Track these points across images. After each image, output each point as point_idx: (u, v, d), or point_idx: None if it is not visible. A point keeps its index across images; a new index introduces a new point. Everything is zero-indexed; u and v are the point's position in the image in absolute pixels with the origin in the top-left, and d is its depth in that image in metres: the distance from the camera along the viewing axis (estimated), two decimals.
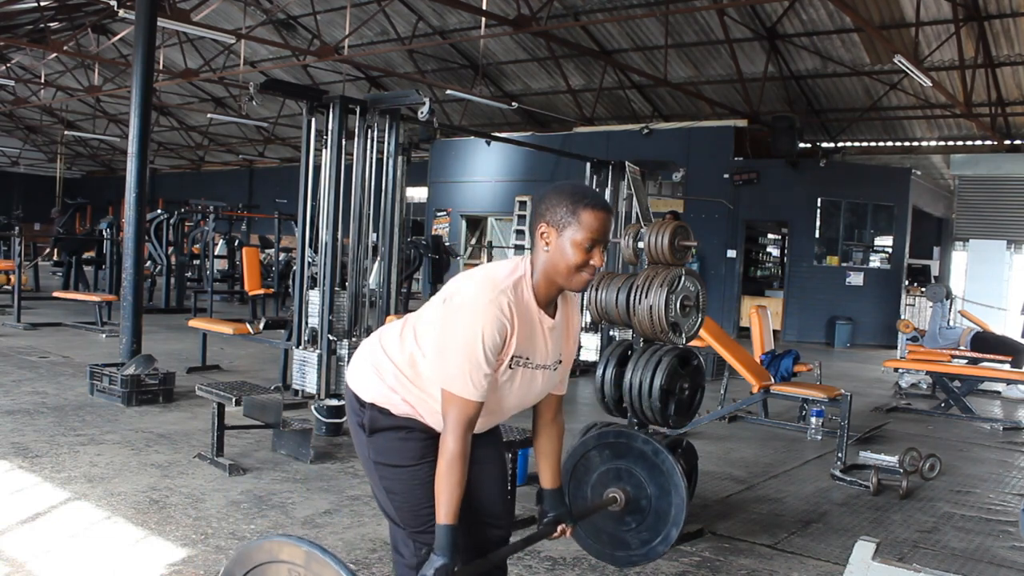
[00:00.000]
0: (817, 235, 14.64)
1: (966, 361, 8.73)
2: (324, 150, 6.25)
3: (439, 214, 18.50)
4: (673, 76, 15.54)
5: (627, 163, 8.63)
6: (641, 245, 3.99)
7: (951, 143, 16.00)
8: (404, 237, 6.88)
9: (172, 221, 13.85)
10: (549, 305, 2.08)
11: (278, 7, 16.32)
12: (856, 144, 17.24)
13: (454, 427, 1.95)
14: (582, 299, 4.48)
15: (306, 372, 6.20)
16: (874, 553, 2.22)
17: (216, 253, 14.90)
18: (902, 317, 12.76)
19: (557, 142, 15.59)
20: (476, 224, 18.86)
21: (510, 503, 2.56)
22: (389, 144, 6.44)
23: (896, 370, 8.64)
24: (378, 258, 6.76)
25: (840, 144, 16.99)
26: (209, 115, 21.66)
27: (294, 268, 7.01)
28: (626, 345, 4.11)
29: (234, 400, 4.66)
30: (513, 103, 16.98)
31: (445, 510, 1.93)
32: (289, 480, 4.44)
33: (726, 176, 14.68)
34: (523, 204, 15.89)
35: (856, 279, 14.34)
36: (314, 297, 6.29)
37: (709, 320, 5.57)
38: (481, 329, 1.92)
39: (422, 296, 14.51)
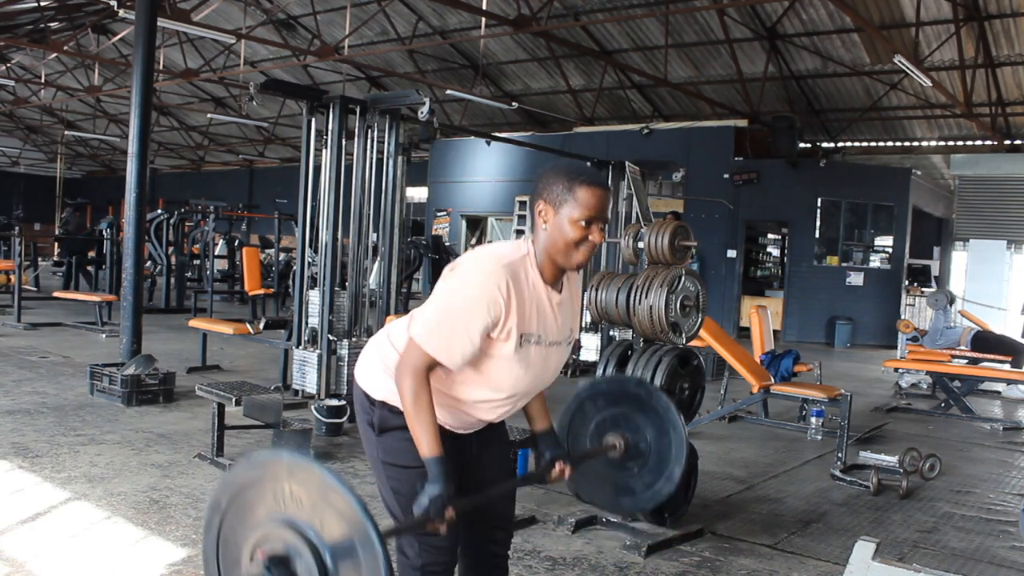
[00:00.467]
0: (817, 235, 14.63)
1: (966, 361, 8.73)
2: (324, 150, 6.25)
3: (439, 214, 18.50)
4: (673, 76, 15.54)
5: (627, 163, 8.63)
6: (641, 245, 3.99)
7: (951, 143, 16.00)
8: (404, 237, 6.88)
9: (172, 221, 13.85)
10: (556, 282, 2.09)
11: (278, 7, 16.32)
12: (856, 144, 17.23)
13: (410, 369, 1.95)
14: (582, 299, 4.48)
15: (306, 372, 6.20)
16: (874, 553, 2.22)
17: (216, 253, 14.89)
18: (902, 317, 12.75)
19: (557, 142, 15.58)
20: (476, 224, 18.85)
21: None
22: (389, 144, 6.44)
23: (896, 370, 8.64)
24: (378, 258, 6.76)
25: (840, 144, 16.98)
26: (209, 115, 21.66)
27: (294, 268, 7.02)
28: (626, 345, 4.11)
29: (234, 400, 4.66)
30: (513, 103, 16.98)
31: (427, 444, 1.93)
32: None
33: (726, 176, 14.68)
34: (523, 204, 15.89)
35: (856, 279, 14.33)
36: (314, 297, 6.28)
37: (709, 320, 5.57)
38: (473, 299, 1.93)
39: (422, 296, 14.51)
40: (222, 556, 1.79)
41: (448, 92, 16.34)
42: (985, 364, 8.59)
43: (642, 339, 4.00)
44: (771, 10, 13.30)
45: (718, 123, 15.51)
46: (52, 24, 17.81)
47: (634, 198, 8.21)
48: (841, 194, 14.48)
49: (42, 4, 15.76)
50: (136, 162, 6.71)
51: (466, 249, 18.31)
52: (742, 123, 15.07)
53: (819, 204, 14.58)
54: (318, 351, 6.11)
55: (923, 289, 15.16)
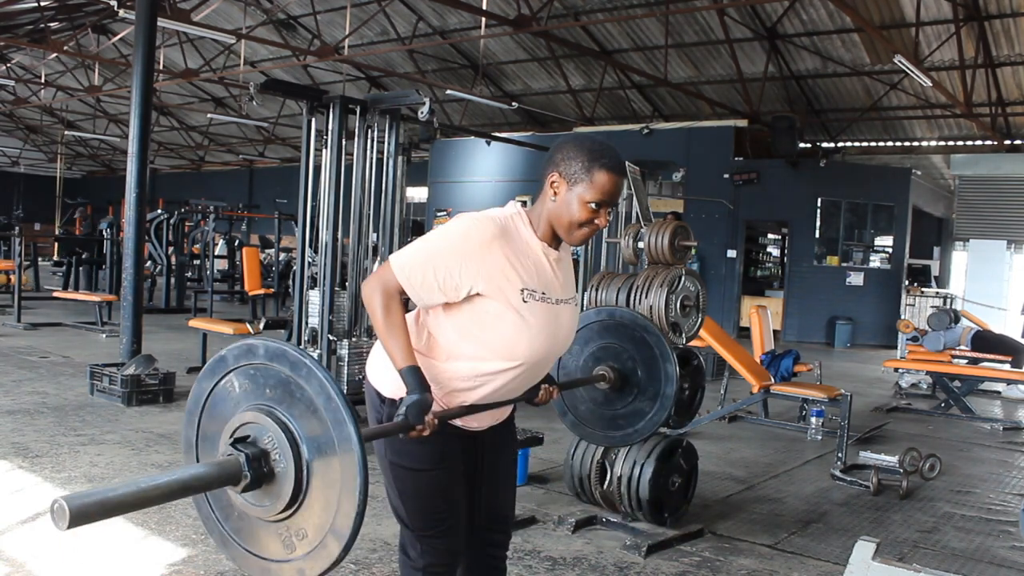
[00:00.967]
0: (817, 235, 14.63)
1: (966, 361, 8.73)
2: (324, 150, 6.24)
3: (439, 214, 18.49)
4: (673, 76, 15.54)
5: (627, 163, 8.62)
6: (641, 245, 3.99)
7: (951, 143, 16.00)
8: (404, 237, 6.87)
9: (172, 221, 13.86)
10: (553, 241, 2.07)
11: (278, 7, 16.32)
12: (856, 144, 17.23)
13: (378, 284, 1.95)
14: (582, 299, 4.48)
15: None
16: (874, 553, 2.22)
17: (216, 253, 14.89)
18: (902, 317, 12.75)
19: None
20: None
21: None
22: (389, 144, 6.43)
23: (896, 370, 8.63)
24: (378, 258, 6.75)
25: (840, 144, 16.99)
26: (209, 115, 21.66)
27: (294, 268, 7.01)
28: None
29: None
30: (513, 103, 16.98)
31: (400, 355, 1.92)
32: None
33: (726, 176, 14.68)
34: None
35: (856, 279, 14.33)
36: (314, 297, 6.28)
37: (709, 320, 5.57)
38: (449, 237, 1.94)
39: None
40: (201, 451, 1.81)
41: (448, 92, 16.34)
42: (985, 364, 8.59)
43: None
44: (771, 10, 13.30)
45: (718, 123, 15.50)
46: (52, 24, 17.81)
47: (634, 198, 8.20)
48: (841, 194, 14.48)
49: (42, 4, 15.76)
50: (136, 162, 6.71)
51: None
52: (742, 123, 15.06)
53: (819, 204, 14.58)
54: (318, 351, 6.10)
55: (923, 289, 15.17)
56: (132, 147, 6.73)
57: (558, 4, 13.75)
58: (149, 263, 13.50)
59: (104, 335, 9.71)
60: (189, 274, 14.84)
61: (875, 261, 14.61)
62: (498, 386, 2.05)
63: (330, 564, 1.62)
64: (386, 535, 3.61)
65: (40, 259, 16.96)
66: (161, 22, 9.22)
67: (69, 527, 1.36)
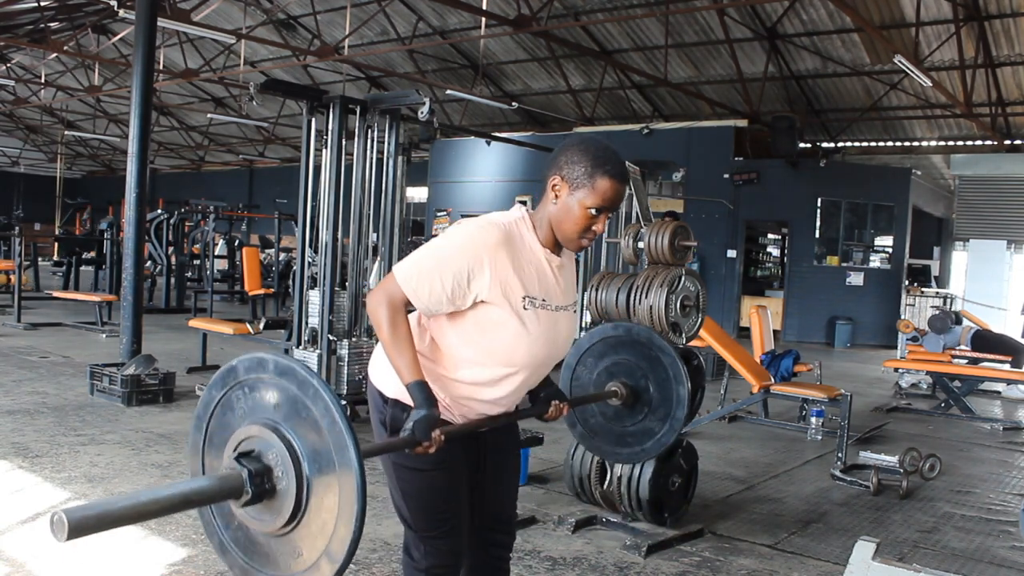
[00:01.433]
0: (817, 235, 14.63)
1: (966, 361, 8.73)
2: (324, 150, 6.24)
3: (439, 214, 18.50)
4: (673, 76, 15.54)
5: (627, 163, 8.62)
6: (641, 245, 3.99)
7: (951, 143, 16.00)
8: (404, 237, 6.87)
9: (172, 221, 13.86)
10: (555, 247, 2.07)
11: (278, 7, 16.32)
12: (856, 144, 17.23)
13: (385, 298, 1.94)
14: (582, 299, 4.48)
15: None
16: (874, 553, 2.22)
17: (216, 253, 14.89)
18: (902, 317, 12.75)
19: (557, 142, 15.41)
20: None
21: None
22: (389, 144, 6.43)
23: (896, 370, 8.63)
24: (378, 258, 6.75)
25: (840, 144, 16.99)
26: (209, 115, 21.66)
27: (294, 268, 7.01)
28: None
29: None
30: (513, 103, 16.98)
31: (407, 370, 1.91)
32: None
33: (726, 176, 14.68)
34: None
35: (856, 279, 14.33)
36: (314, 297, 6.28)
37: (709, 320, 5.57)
38: (453, 246, 1.93)
39: None
40: (207, 466, 1.80)
41: (448, 92, 16.34)
42: (985, 364, 8.59)
43: None
44: (771, 10, 13.30)
45: (718, 123, 15.51)
46: (52, 24, 17.81)
47: (634, 198, 8.20)
48: (841, 194, 14.48)
49: (42, 4, 15.76)
50: (136, 162, 6.71)
51: None
52: (742, 123, 15.07)
53: (819, 204, 14.58)
54: (318, 351, 6.10)
55: (923, 289, 15.17)
56: (132, 147, 6.73)
57: (558, 4, 13.75)
58: (149, 263, 13.51)
59: (104, 335, 9.70)
60: (189, 274, 14.84)
61: (875, 261, 14.61)
62: (497, 390, 2.06)
63: None
64: (386, 535, 3.61)
65: (40, 259, 16.96)
66: (161, 22, 9.22)
67: (68, 539, 1.36)
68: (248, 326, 7.56)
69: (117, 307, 9.02)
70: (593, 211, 1.97)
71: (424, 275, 1.93)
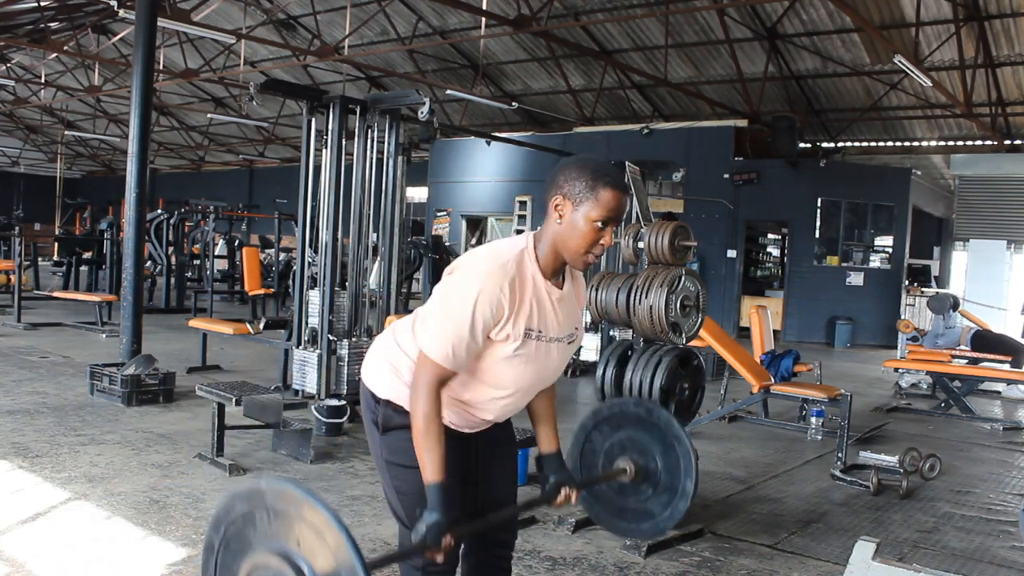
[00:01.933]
0: (817, 235, 14.63)
1: (966, 361, 8.73)
2: (324, 150, 6.24)
3: (439, 214, 18.50)
4: (673, 76, 15.54)
5: (627, 163, 8.62)
6: (641, 245, 4.00)
7: (951, 143, 16.00)
8: (404, 237, 6.87)
9: (172, 221, 13.86)
10: (555, 276, 2.07)
11: (278, 7, 16.32)
12: (856, 144, 17.23)
13: (424, 388, 1.94)
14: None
15: (306, 372, 6.19)
16: (874, 553, 2.22)
17: (216, 253, 14.89)
18: (902, 317, 12.75)
19: (557, 142, 15.58)
20: (476, 224, 18.86)
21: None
22: (389, 144, 6.43)
23: (896, 370, 8.63)
24: (378, 258, 6.75)
25: (840, 144, 16.99)
26: (209, 115, 21.67)
27: (294, 268, 7.01)
28: (626, 345, 4.11)
29: (234, 400, 4.66)
30: (513, 103, 16.98)
31: (431, 469, 1.92)
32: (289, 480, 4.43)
33: (726, 176, 14.68)
34: (523, 204, 15.91)
35: (856, 279, 14.33)
36: (314, 297, 6.28)
37: (709, 320, 5.57)
38: (474, 300, 1.91)
39: (422, 296, 14.51)
40: (220, 559, 1.81)
41: (448, 92, 16.34)
42: (985, 364, 8.59)
43: (642, 339, 4.00)
44: (771, 10, 13.30)
45: (718, 123, 15.51)
46: (52, 24, 17.81)
47: (634, 198, 8.21)
48: (841, 194, 14.48)
49: (42, 4, 15.76)
50: (136, 162, 6.71)
51: (466, 249, 18.33)
52: (742, 123, 15.07)
53: (819, 204, 14.58)
54: (318, 351, 6.10)
55: (923, 289, 15.17)
56: (132, 147, 6.73)
57: (558, 4, 13.75)
58: (149, 263, 13.51)
59: (104, 335, 9.70)
60: (189, 274, 14.84)
61: (875, 261, 14.61)
62: (482, 409, 2.11)
63: None
64: (386, 535, 3.61)
65: (40, 259, 16.96)
66: (161, 22, 9.22)
67: None
68: (248, 326, 7.56)
69: (117, 307, 9.02)
70: (599, 224, 1.97)
71: (459, 345, 1.93)
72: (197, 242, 15.15)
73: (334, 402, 5.51)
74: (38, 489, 4.06)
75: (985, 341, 9.16)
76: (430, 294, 2.04)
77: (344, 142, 6.22)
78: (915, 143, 16.54)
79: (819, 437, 6.29)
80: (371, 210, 6.42)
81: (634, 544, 3.66)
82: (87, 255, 14.94)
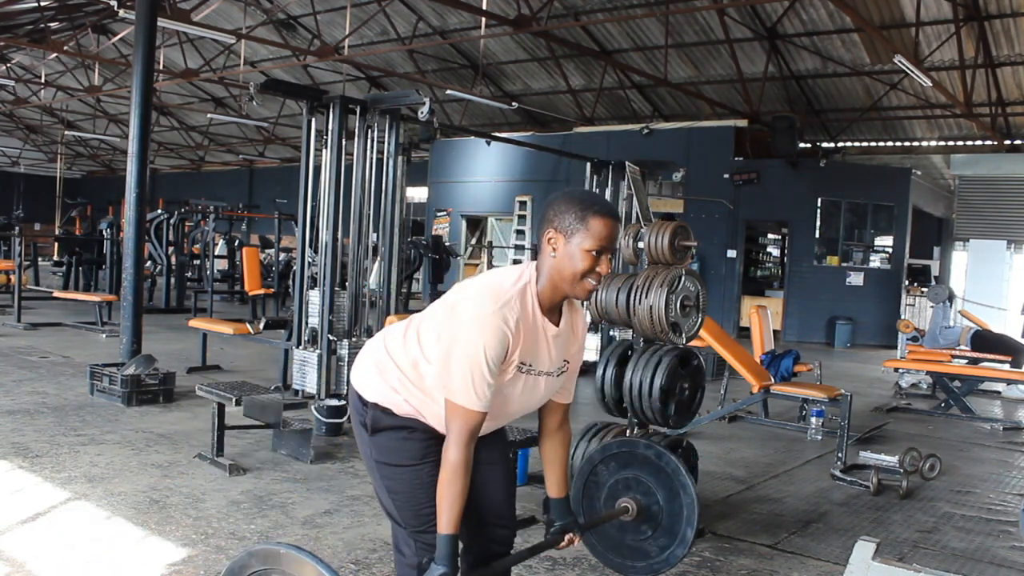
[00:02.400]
0: (817, 235, 14.64)
1: (966, 361, 8.73)
2: (324, 150, 6.25)
3: (439, 214, 18.50)
4: (673, 76, 15.54)
5: (627, 163, 8.62)
6: (641, 245, 3.99)
7: (951, 143, 16.00)
8: (404, 237, 6.87)
9: (172, 221, 13.86)
10: (552, 311, 2.08)
11: (278, 7, 16.32)
12: (856, 144, 17.24)
13: (458, 438, 1.96)
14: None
15: (306, 372, 6.20)
16: (874, 553, 2.22)
17: (216, 253, 14.89)
18: (902, 317, 12.75)
19: (557, 142, 15.58)
20: (476, 224, 18.86)
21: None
22: (389, 144, 6.44)
23: (896, 370, 8.63)
24: (378, 258, 6.76)
25: (840, 144, 16.99)
26: (209, 115, 21.67)
27: (294, 268, 7.01)
28: (626, 345, 4.11)
29: (234, 400, 4.66)
30: (513, 103, 16.98)
31: (447, 519, 1.94)
32: (289, 480, 4.44)
33: (726, 176, 14.68)
34: (523, 204, 15.93)
35: (856, 279, 14.34)
36: (314, 297, 6.28)
37: (709, 320, 5.57)
38: (484, 342, 1.92)
39: (422, 296, 14.51)
40: None
41: (448, 92, 16.35)
42: (985, 364, 8.59)
43: (642, 339, 4.00)
44: (771, 10, 13.30)
45: (718, 123, 15.51)
46: (52, 24, 17.81)
47: (634, 198, 8.21)
48: (841, 194, 14.49)
49: (42, 4, 15.77)
50: (136, 162, 6.71)
51: (466, 249, 18.34)
52: (742, 123, 15.07)
53: (819, 204, 14.59)
54: (318, 351, 6.11)
55: (923, 289, 15.17)
56: (132, 147, 6.73)
57: (558, 4, 13.76)
58: (149, 263, 13.51)
59: (104, 335, 9.70)
60: (189, 274, 14.84)
61: (875, 261, 14.61)
62: None
63: None
64: (386, 535, 3.61)
65: (40, 259, 16.96)
66: (161, 22, 9.22)
67: None
68: (248, 326, 7.56)
69: (117, 307, 9.02)
70: (593, 253, 1.99)
71: (482, 386, 1.95)
72: (197, 242, 15.15)
73: (334, 402, 5.51)
74: (38, 489, 4.06)
75: (985, 341, 9.16)
76: (430, 294, 2.05)
77: (344, 142, 6.23)
78: (915, 143, 16.54)
79: (819, 437, 6.29)
80: (371, 210, 6.42)
81: None
82: (76, 255, 14.90)
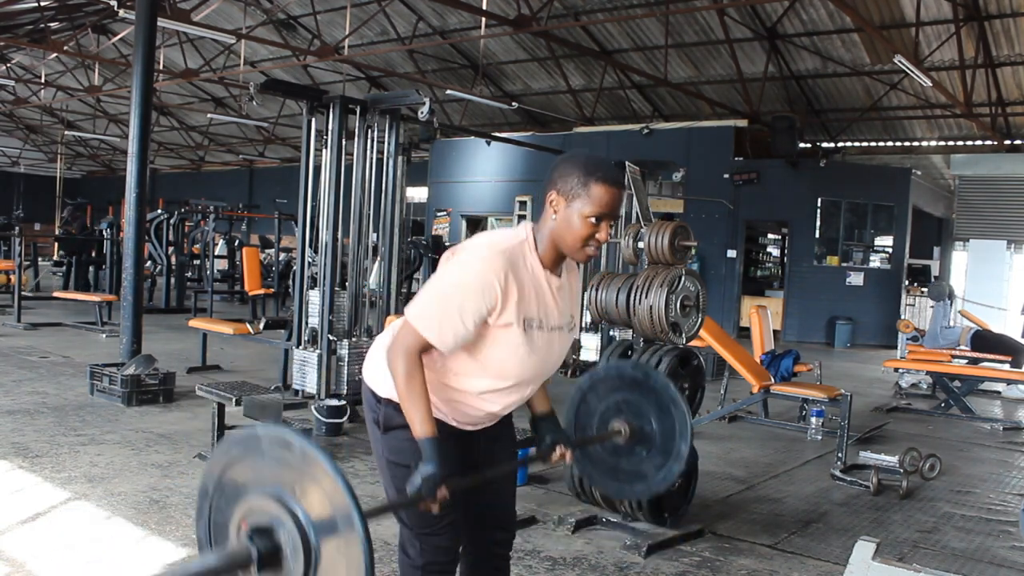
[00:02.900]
0: (817, 235, 14.63)
1: (966, 361, 8.73)
2: (324, 150, 6.25)
3: (439, 214, 18.50)
4: (673, 76, 15.54)
5: (627, 163, 8.62)
6: (641, 245, 3.99)
7: (951, 143, 15.99)
8: (404, 237, 6.87)
9: (172, 221, 13.86)
10: (555, 267, 2.08)
11: (278, 7, 16.32)
12: (856, 144, 17.23)
13: (403, 350, 1.95)
14: (583, 299, 4.48)
15: (306, 372, 6.20)
16: (874, 553, 2.22)
17: (216, 253, 14.89)
18: (902, 317, 12.75)
19: (557, 142, 15.58)
20: (476, 224, 18.85)
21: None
22: (389, 144, 6.43)
23: (896, 370, 8.63)
24: (378, 258, 6.76)
25: (840, 144, 16.98)
26: (209, 115, 21.66)
27: (294, 268, 7.01)
28: (626, 345, 4.11)
29: (234, 400, 4.66)
30: (513, 103, 16.97)
31: (420, 424, 1.93)
32: None
33: (726, 176, 14.68)
34: (523, 204, 15.94)
35: (856, 279, 14.33)
36: (314, 297, 6.28)
37: (709, 320, 5.57)
38: (467, 286, 1.93)
39: None
40: (214, 537, 1.80)
41: (448, 92, 16.34)
42: (985, 364, 8.59)
43: (642, 339, 4.00)
44: (771, 10, 13.30)
45: (718, 123, 15.51)
46: (52, 24, 17.80)
47: (634, 198, 8.21)
48: (841, 194, 14.48)
49: (42, 4, 15.76)
50: (136, 162, 6.71)
51: None
52: (742, 123, 15.06)
53: (819, 204, 14.58)
54: (318, 351, 6.11)
55: (923, 289, 15.17)
56: (132, 147, 6.74)
57: (558, 4, 13.75)
58: (149, 263, 13.50)
59: (104, 335, 9.70)
60: (189, 274, 14.83)
61: (875, 261, 14.61)
62: (486, 400, 2.10)
63: None
64: (386, 535, 3.61)
65: (40, 259, 16.96)
66: (161, 22, 9.21)
67: None
68: (248, 326, 7.56)
69: (117, 307, 9.01)
70: (593, 219, 1.98)
71: (447, 320, 1.94)
72: (197, 242, 15.14)
73: (334, 402, 5.51)
74: (38, 489, 4.06)
75: (985, 341, 9.15)
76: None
77: (344, 142, 6.22)
78: (915, 143, 16.54)
79: (819, 437, 6.29)
80: (371, 210, 6.42)
81: (634, 544, 3.66)
82: (82, 256, 14.90)
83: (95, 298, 10.67)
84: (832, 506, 4.61)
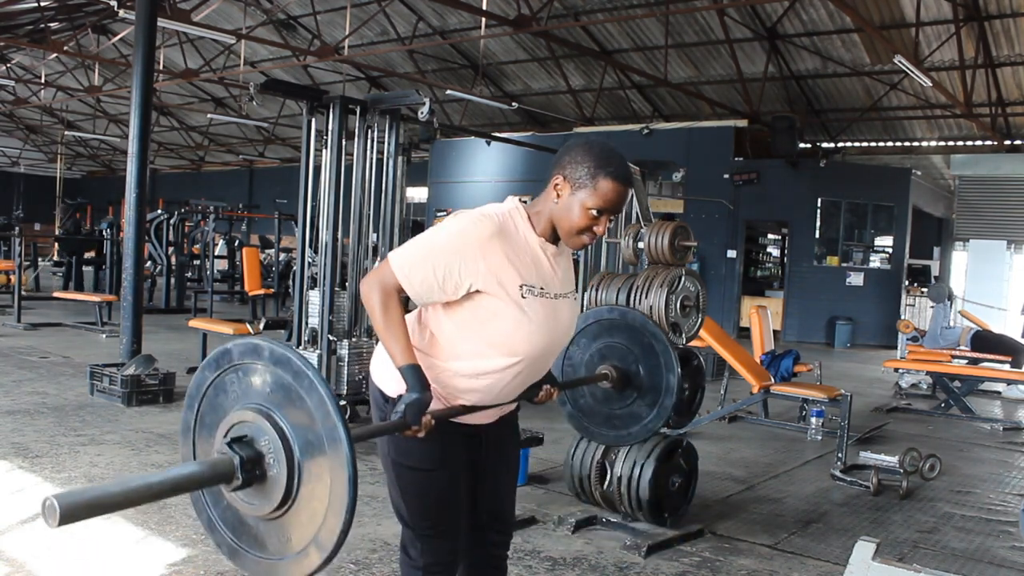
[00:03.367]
0: (817, 235, 14.64)
1: (966, 361, 8.74)
2: (324, 150, 6.24)
3: (439, 214, 18.49)
4: (673, 76, 15.54)
5: (628, 163, 8.62)
6: (641, 245, 3.99)
7: (951, 143, 16.00)
8: (404, 237, 6.86)
9: (172, 221, 13.86)
10: (553, 239, 2.07)
11: (278, 7, 16.32)
12: (856, 144, 17.23)
13: (376, 282, 1.97)
14: (583, 299, 4.48)
15: None
16: (874, 553, 2.22)
17: (216, 253, 14.89)
18: (902, 317, 12.75)
19: (557, 142, 15.53)
20: None
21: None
22: (389, 144, 6.43)
23: (896, 370, 8.64)
24: (378, 258, 6.75)
25: (840, 144, 16.99)
26: (209, 115, 21.65)
27: (294, 268, 7.01)
28: None
29: None
30: (513, 103, 16.97)
31: (400, 354, 1.93)
32: None
33: (726, 176, 14.68)
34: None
35: (856, 279, 14.34)
36: (314, 297, 6.28)
37: (709, 320, 5.57)
38: (447, 241, 1.94)
39: None
40: (198, 435, 1.81)
41: (448, 92, 16.34)
42: (985, 364, 8.59)
43: None
44: (771, 10, 13.30)
45: (718, 123, 15.51)
46: (52, 24, 17.80)
47: (634, 198, 8.20)
48: (841, 194, 14.49)
49: (42, 4, 15.76)
50: (136, 162, 6.71)
51: None
52: (742, 123, 15.06)
53: (819, 204, 14.58)
54: (318, 351, 6.10)
55: (923, 289, 15.17)
56: (132, 147, 6.73)
57: (558, 4, 13.75)
58: (149, 263, 13.51)
59: (104, 335, 9.71)
60: (189, 274, 14.84)
61: (875, 261, 14.61)
62: (499, 383, 2.05)
63: (308, 573, 1.63)
64: (386, 535, 3.62)
65: (40, 259, 16.96)
66: (161, 22, 9.22)
67: (59, 524, 1.36)
68: (248, 326, 7.56)
69: (117, 307, 9.01)
70: (594, 212, 1.96)
71: (417, 263, 1.94)
72: (197, 242, 15.15)
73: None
74: (38, 489, 4.06)
75: (985, 341, 9.16)
76: None
77: (344, 142, 6.22)
78: (915, 143, 16.54)
79: (819, 437, 6.29)
80: (371, 210, 6.42)
81: (634, 544, 3.66)
82: (78, 256, 14.91)
83: (95, 298, 10.67)
84: (832, 506, 4.61)
